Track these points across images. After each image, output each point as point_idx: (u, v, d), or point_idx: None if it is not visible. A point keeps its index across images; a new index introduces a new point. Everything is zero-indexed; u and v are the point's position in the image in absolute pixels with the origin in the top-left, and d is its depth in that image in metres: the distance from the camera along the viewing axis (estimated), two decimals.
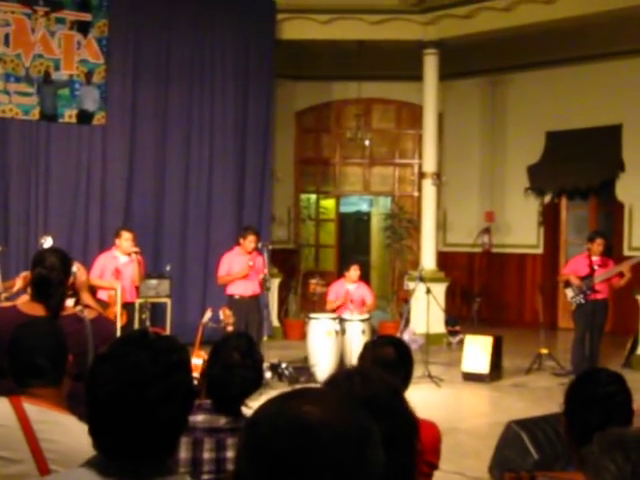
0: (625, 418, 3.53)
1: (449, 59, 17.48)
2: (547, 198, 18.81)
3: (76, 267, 5.97)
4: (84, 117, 15.79)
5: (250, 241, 12.88)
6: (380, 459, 1.66)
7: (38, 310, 4.90)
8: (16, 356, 3.61)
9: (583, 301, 12.84)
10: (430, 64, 17.34)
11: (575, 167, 17.68)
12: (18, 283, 9.62)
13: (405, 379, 4.34)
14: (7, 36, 15.09)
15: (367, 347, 4.74)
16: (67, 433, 3.36)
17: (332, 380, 2.84)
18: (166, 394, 2.41)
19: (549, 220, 18.88)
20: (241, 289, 12.85)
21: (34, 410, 3.39)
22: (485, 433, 9.50)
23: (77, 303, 5.78)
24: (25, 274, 9.41)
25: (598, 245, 12.95)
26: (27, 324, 3.96)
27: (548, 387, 12.55)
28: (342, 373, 3.03)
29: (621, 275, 12.90)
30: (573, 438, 3.53)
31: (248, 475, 1.65)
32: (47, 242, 11.12)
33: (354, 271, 13.70)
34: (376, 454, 1.66)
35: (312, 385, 11.33)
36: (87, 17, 15.72)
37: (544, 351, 13.94)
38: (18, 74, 15.21)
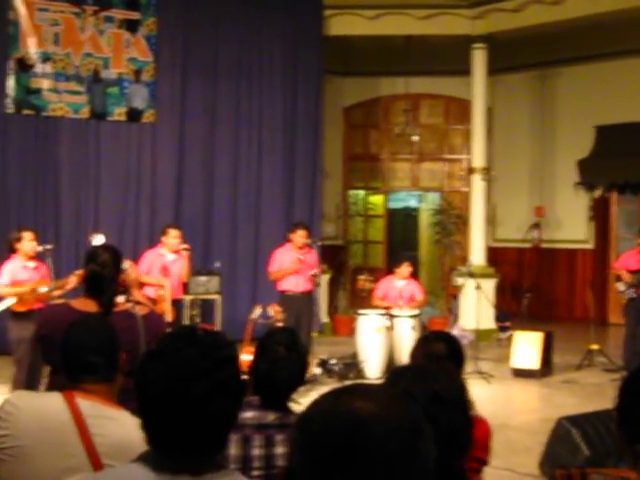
0: None
1: (498, 53, 17.51)
2: (597, 193, 18.70)
3: (127, 264, 6.11)
4: (133, 115, 15.95)
5: (300, 235, 12.86)
6: (432, 453, 1.67)
7: (91, 306, 4.97)
8: (69, 353, 3.66)
9: (634, 295, 12.85)
10: (478, 58, 17.36)
11: (626, 161, 17.60)
12: (73, 281, 9.91)
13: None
14: (57, 35, 15.22)
15: (419, 343, 4.74)
16: (119, 428, 3.40)
17: (398, 375, 2.97)
18: (215, 389, 2.45)
19: (599, 215, 18.84)
20: (292, 285, 12.81)
21: (87, 405, 3.45)
22: (535, 429, 9.44)
23: (128, 300, 5.92)
24: (79, 272, 9.69)
25: None
26: (79, 322, 4.01)
27: (599, 383, 12.46)
28: (410, 369, 3.13)
29: None
30: (625, 434, 3.45)
31: (302, 470, 1.66)
32: (98, 239, 11.27)
33: (406, 268, 13.66)
34: (427, 448, 1.66)
35: (361, 381, 11.53)
36: (136, 15, 15.89)
37: (595, 347, 13.85)
38: (68, 73, 15.34)
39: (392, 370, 3.29)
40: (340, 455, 1.59)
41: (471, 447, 3.53)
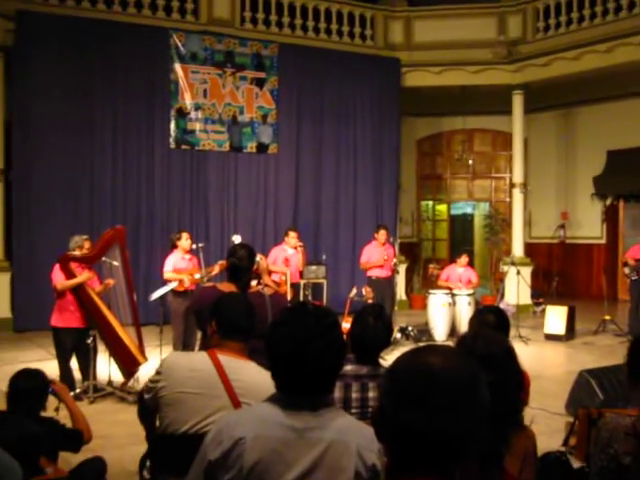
0: None
1: (532, 97, 17.41)
2: (608, 201, 18.43)
3: (259, 257, 6.35)
4: (261, 148, 16.07)
5: (381, 234, 12.97)
6: (486, 398, 1.64)
7: (231, 289, 5.03)
8: (223, 317, 3.65)
9: (636, 277, 12.87)
10: (517, 102, 17.27)
11: (630, 177, 17.38)
12: (216, 268, 10.21)
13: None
14: (205, 91, 15.43)
15: (475, 314, 4.69)
16: (249, 374, 3.43)
17: (461, 340, 3.01)
18: (326, 347, 2.52)
19: (610, 218, 18.59)
20: (377, 272, 12.92)
21: (225, 359, 3.45)
22: (562, 379, 9.31)
23: (259, 283, 6.16)
24: (221, 262, 10.03)
25: None
26: (231, 295, 4.05)
27: (611, 345, 12.39)
28: (469, 335, 3.09)
29: None
30: (632, 383, 3.47)
31: (389, 408, 1.63)
32: (237, 239, 11.45)
33: (464, 258, 13.64)
34: (483, 395, 1.63)
35: (432, 343, 11.64)
36: (262, 75, 16.01)
37: (607, 317, 13.78)
38: (213, 118, 15.54)
39: (462, 335, 3.20)
40: (417, 396, 1.59)
41: (521, 392, 3.84)
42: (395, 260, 13.34)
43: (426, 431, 1.57)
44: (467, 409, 1.59)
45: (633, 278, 13.02)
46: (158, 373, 3.53)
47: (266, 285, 6.04)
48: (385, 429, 1.66)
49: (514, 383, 2.73)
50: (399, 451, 1.64)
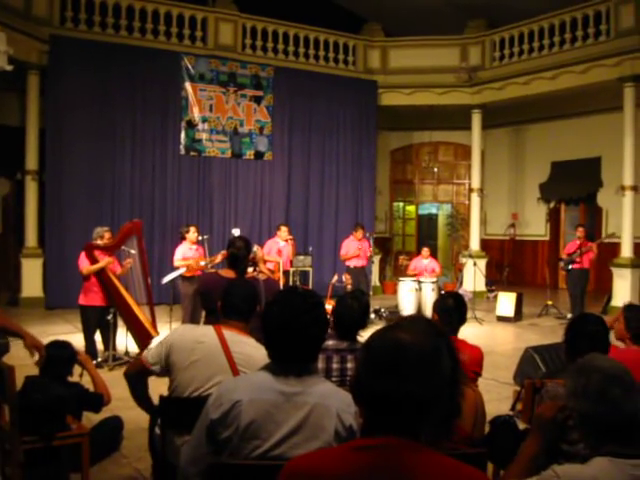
0: (604, 346, 3.52)
1: (488, 116, 17.42)
2: (552, 204, 18.49)
3: (256, 248, 6.32)
4: (258, 155, 16.02)
5: (359, 232, 13.09)
6: (448, 368, 1.63)
7: (231, 274, 5.11)
8: (229, 301, 3.64)
9: (569, 268, 12.93)
10: (476, 119, 17.27)
11: (571, 184, 17.46)
12: (219, 258, 10.16)
13: (461, 319, 4.35)
14: (211, 106, 15.41)
15: (437, 299, 4.70)
16: (248, 348, 3.43)
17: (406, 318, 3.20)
18: (311, 321, 2.57)
19: (553, 219, 18.61)
20: (355, 262, 13.00)
21: (229, 334, 3.46)
22: (511, 354, 9.26)
23: (255, 270, 6.12)
24: (223, 252, 9.94)
25: (578, 232, 13.08)
26: (235, 282, 4.02)
27: (552, 326, 12.45)
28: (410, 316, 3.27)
29: (592, 251, 12.81)
30: (569, 358, 3.53)
31: (365, 376, 1.64)
32: (236, 232, 11.40)
33: (425, 250, 13.64)
34: (445, 364, 1.62)
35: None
36: (260, 93, 15.99)
37: (550, 302, 13.85)
38: (217, 129, 15.52)
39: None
40: (387, 366, 1.60)
41: (469, 364, 3.82)
42: (370, 253, 13.36)
43: (396, 396, 1.58)
44: (431, 377, 1.60)
45: (568, 269, 13.04)
46: (166, 344, 3.49)
47: (261, 272, 6.03)
48: (361, 394, 1.67)
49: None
50: (372, 413, 1.65)
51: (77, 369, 4.94)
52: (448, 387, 1.62)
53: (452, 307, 4.35)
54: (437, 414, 1.62)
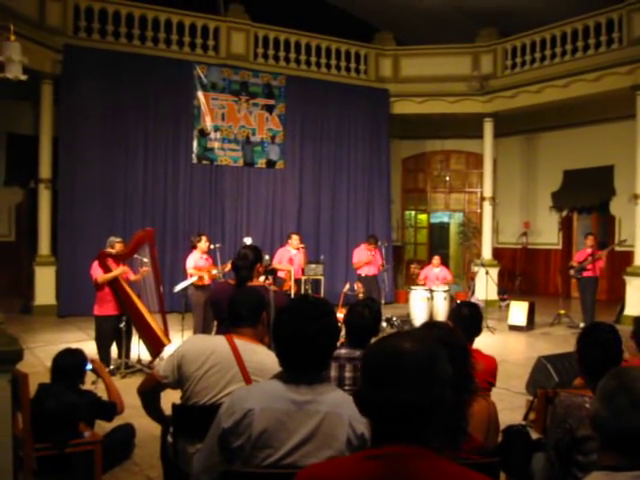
0: (616, 355, 3.47)
1: (500, 124, 17.40)
2: (564, 213, 18.43)
3: (267, 257, 6.31)
4: (270, 164, 16.08)
5: (370, 243, 13.16)
6: (446, 373, 1.64)
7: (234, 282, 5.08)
8: (232, 308, 3.60)
9: (579, 276, 12.92)
10: (488, 128, 17.26)
11: (583, 193, 17.40)
12: (229, 266, 10.25)
13: (477, 329, 4.39)
14: (223, 115, 15.47)
15: (454, 308, 4.77)
16: (259, 356, 3.42)
17: (423, 325, 3.11)
18: (321, 329, 2.56)
19: (565, 227, 18.55)
20: (366, 271, 13.06)
21: (240, 342, 3.45)
22: (523, 364, 9.23)
23: (267, 279, 6.08)
24: (232, 261, 10.09)
25: (588, 240, 13.08)
26: (240, 290, 4.01)
27: (564, 335, 12.37)
28: (426, 323, 3.16)
29: (601, 259, 12.78)
30: (581, 367, 3.51)
31: (365, 382, 1.66)
32: (248, 241, 11.31)
33: (436, 259, 13.70)
34: (441, 370, 1.63)
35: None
36: (272, 102, 16.03)
37: (562, 312, 13.76)
38: (229, 138, 15.58)
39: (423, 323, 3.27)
40: (386, 373, 1.62)
41: (482, 374, 3.74)
42: (383, 261, 13.42)
43: (393, 404, 1.59)
44: (427, 384, 1.60)
45: (578, 277, 13.03)
46: (177, 356, 3.49)
47: (270, 283, 5.97)
48: (362, 405, 1.69)
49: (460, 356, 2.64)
50: (377, 423, 1.66)
51: (90, 376, 4.95)
52: (448, 394, 1.63)
53: (467, 316, 4.37)
54: (440, 421, 1.63)
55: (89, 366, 5.08)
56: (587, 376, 3.46)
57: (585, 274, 12.86)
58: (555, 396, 3.54)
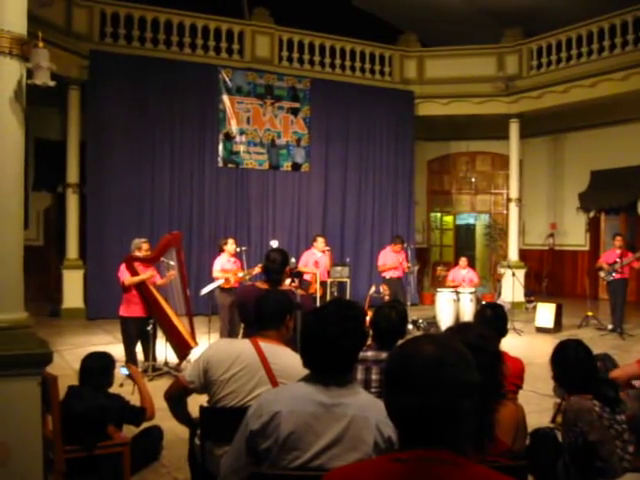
0: (590, 369, 3.61)
1: (526, 125, 17.29)
2: (591, 214, 18.21)
3: (293, 260, 6.32)
4: (296, 167, 16.12)
5: (396, 244, 13.16)
6: (470, 377, 1.63)
7: (265, 286, 5.11)
8: (258, 311, 3.63)
9: (611, 279, 12.76)
10: (514, 129, 17.16)
11: (611, 193, 17.20)
12: (256, 269, 10.29)
13: (501, 330, 4.37)
14: (248, 118, 15.51)
15: (478, 310, 4.78)
16: (285, 358, 3.43)
17: (451, 329, 3.08)
18: (342, 332, 2.56)
19: (593, 228, 18.37)
20: (391, 273, 13.08)
21: (265, 345, 3.46)
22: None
23: (292, 281, 6.08)
24: (260, 265, 10.08)
25: (617, 241, 12.91)
26: (265, 294, 4.01)
27: (592, 337, 11.97)
28: (455, 326, 3.18)
29: (638, 260, 12.62)
30: (561, 386, 3.58)
31: (389, 385, 1.67)
32: (274, 244, 11.05)
33: (462, 260, 13.71)
34: (470, 375, 1.63)
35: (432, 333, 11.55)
36: (297, 105, 16.08)
37: (590, 314, 13.64)
38: (255, 141, 15.61)
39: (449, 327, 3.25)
40: (411, 376, 1.62)
41: (509, 376, 3.71)
42: (408, 264, 13.43)
43: (408, 410, 1.60)
44: (448, 388, 1.59)
45: (609, 279, 12.87)
46: (203, 361, 3.50)
47: (297, 287, 5.96)
48: (387, 410, 1.69)
49: (489, 362, 2.66)
50: (400, 427, 1.66)
51: (117, 379, 4.97)
52: (466, 400, 1.61)
53: (490, 318, 4.37)
54: (463, 426, 1.62)
55: (126, 371, 5.13)
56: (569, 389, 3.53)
57: (615, 276, 12.73)
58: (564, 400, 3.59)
